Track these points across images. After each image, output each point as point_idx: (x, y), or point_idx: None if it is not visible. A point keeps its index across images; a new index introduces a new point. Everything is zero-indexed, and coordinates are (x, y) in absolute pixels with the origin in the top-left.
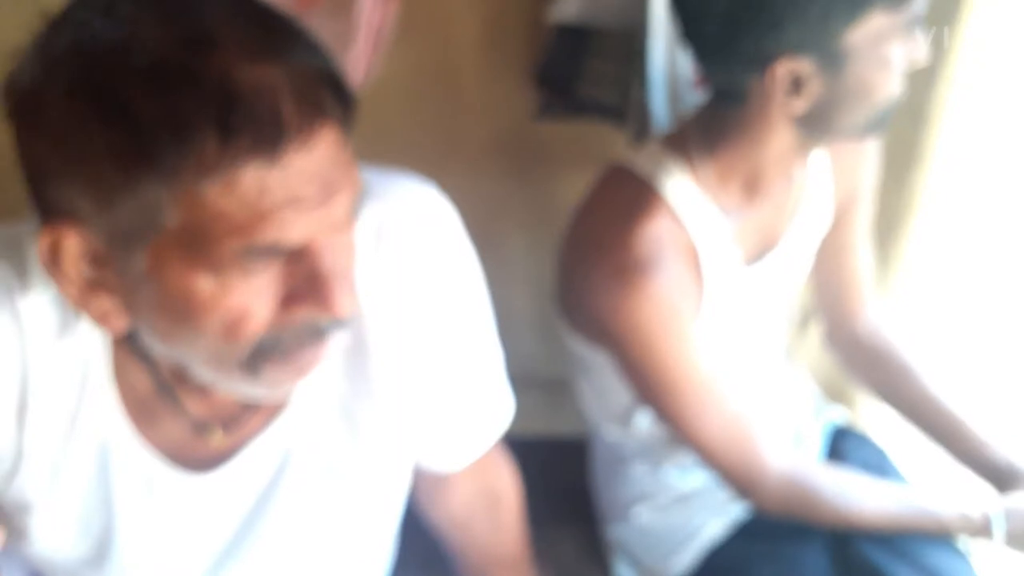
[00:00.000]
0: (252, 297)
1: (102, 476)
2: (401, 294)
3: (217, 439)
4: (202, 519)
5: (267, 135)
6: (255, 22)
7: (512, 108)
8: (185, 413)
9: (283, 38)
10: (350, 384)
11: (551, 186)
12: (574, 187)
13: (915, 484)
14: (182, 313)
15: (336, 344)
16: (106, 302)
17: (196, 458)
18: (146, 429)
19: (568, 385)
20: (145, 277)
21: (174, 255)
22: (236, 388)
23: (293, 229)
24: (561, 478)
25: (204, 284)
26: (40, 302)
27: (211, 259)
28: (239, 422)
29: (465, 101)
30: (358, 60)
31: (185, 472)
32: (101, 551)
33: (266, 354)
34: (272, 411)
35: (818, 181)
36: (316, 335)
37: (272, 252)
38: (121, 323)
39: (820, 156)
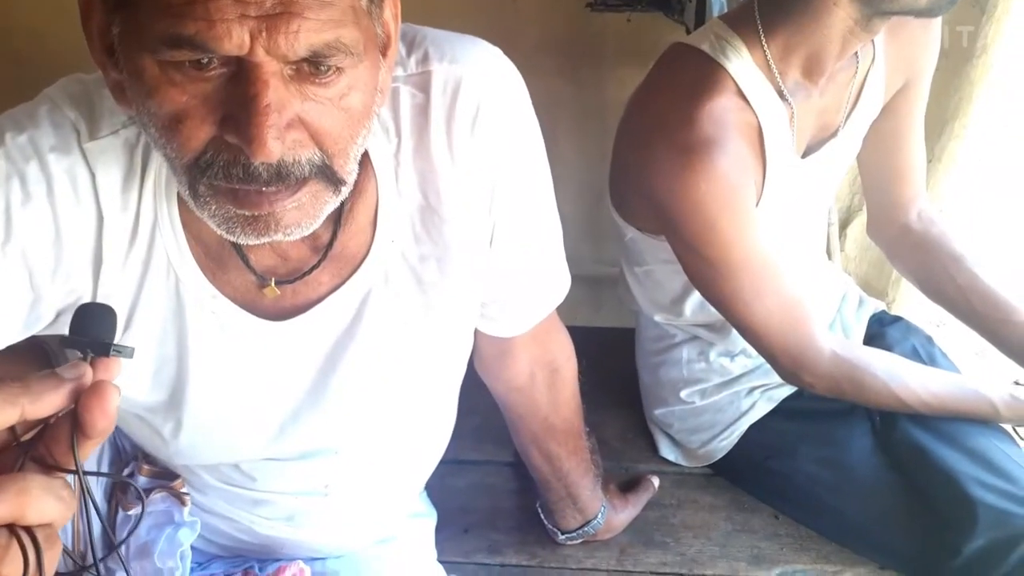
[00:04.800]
0: (189, 99)
1: (176, 322)
2: (477, 159)
3: (271, 292)
4: (276, 368)
5: None
6: None
7: (565, 3)
8: (248, 265)
9: None
10: (422, 246)
11: (601, 85)
12: (623, 87)
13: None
14: (138, 96)
15: (309, 204)
16: (115, 73)
17: (270, 309)
18: (216, 279)
19: (607, 283)
20: (120, 49)
21: (132, 29)
22: (200, 215)
23: (221, 29)
24: (604, 366)
25: (150, 70)
26: (107, 147)
27: (149, 40)
28: (308, 279)
29: None
30: None
31: (259, 319)
32: (175, 396)
33: (203, 173)
34: (345, 269)
35: (876, 68)
36: (246, 173)
37: (199, 48)
38: (127, 100)
39: (879, 40)
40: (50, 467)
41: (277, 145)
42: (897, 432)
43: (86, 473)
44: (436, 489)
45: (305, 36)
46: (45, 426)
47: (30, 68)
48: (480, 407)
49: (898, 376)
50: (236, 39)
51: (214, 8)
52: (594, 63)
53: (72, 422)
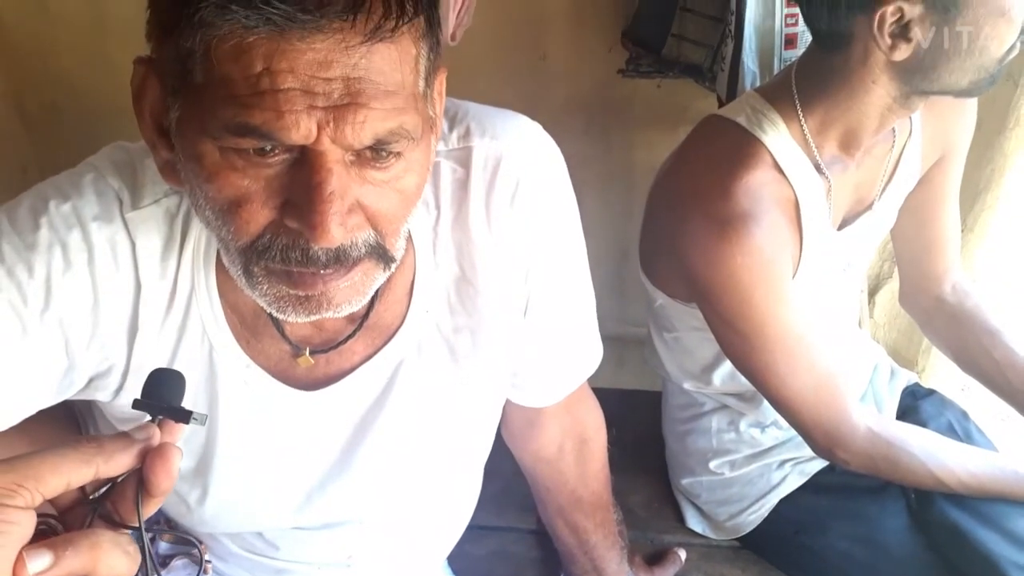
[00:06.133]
0: (250, 184)
1: (208, 390)
2: (515, 232)
3: (305, 362)
4: (305, 437)
5: (281, 8)
6: None
7: (595, 66)
8: (283, 335)
9: None
10: (456, 317)
11: (628, 146)
12: (650, 148)
13: (1004, 450)
14: (195, 179)
15: (360, 282)
16: (166, 153)
17: (302, 379)
18: (250, 348)
19: (630, 342)
20: (176, 132)
21: (193, 114)
22: (251, 293)
23: (289, 120)
24: (628, 430)
25: (211, 155)
26: (149, 216)
27: (213, 127)
28: (342, 349)
29: (549, 58)
30: (449, 13)
31: (291, 389)
32: (203, 464)
33: (260, 256)
34: (379, 339)
35: (913, 141)
36: (305, 257)
37: (265, 138)
38: (177, 179)
39: (916, 113)
40: (116, 524)
41: (340, 231)
42: (933, 511)
43: (147, 530)
44: (456, 556)
45: (371, 125)
46: (112, 484)
47: (68, 120)
48: (502, 471)
49: (935, 455)
50: (304, 129)
51: (283, 99)
52: (621, 124)
53: (137, 482)
